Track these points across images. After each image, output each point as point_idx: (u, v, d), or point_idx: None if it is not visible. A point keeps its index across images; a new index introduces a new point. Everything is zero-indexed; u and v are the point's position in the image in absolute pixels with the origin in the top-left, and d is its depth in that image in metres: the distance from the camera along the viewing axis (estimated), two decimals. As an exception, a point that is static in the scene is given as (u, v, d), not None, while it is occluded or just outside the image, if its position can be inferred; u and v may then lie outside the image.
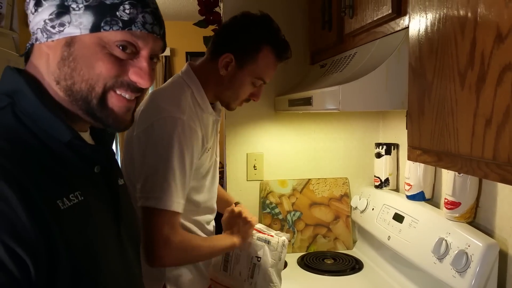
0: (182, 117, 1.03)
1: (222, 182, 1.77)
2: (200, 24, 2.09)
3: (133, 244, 0.74)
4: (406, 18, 0.95)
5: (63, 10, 0.59)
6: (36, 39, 0.61)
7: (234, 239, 1.17)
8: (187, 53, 4.56)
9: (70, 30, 0.59)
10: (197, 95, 1.12)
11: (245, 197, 1.71)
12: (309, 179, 1.75)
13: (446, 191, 1.18)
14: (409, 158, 0.92)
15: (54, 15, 0.59)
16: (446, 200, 1.18)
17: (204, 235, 1.18)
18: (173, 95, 1.09)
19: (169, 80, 1.19)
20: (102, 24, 0.59)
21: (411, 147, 0.90)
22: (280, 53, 1.15)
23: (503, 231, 1.07)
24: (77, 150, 0.63)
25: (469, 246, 1.04)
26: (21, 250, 0.50)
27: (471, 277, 1.00)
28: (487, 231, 1.10)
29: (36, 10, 0.60)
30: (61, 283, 0.53)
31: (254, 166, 1.73)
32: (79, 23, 0.59)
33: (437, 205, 1.34)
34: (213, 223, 1.26)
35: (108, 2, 0.59)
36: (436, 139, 0.80)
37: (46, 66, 0.62)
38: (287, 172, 1.75)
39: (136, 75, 0.63)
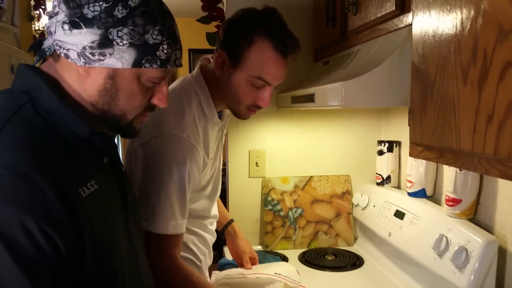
0: (182, 134, 0.98)
1: (224, 179, 1.78)
2: (203, 20, 2.09)
3: (137, 226, 0.79)
4: (410, 15, 0.96)
5: (106, 42, 0.63)
6: (67, 56, 0.64)
7: None
8: (190, 50, 4.56)
9: (111, 62, 0.64)
10: (204, 104, 1.07)
11: (247, 194, 1.73)
12: (311, 176, 1.76)
13: (447, 188, 1.19)
14: (411, 155, 0.93)
15: (95, 44, 0.62)
16: (447, 197, 1.19)
17: (205, 234, 1.18)
18: (177, 107, 1.02)
19: (178, 83, 1.12)
20: (143, 61, 0.65)
21: (413, 143, 0.91)
22: (279, 45, 0.99)
23: (503, 228, 1.07)
24: (90, 142, 0.68)
25: (469, 242, 1.05)
26: (54, 232, 0.55)
27: (470, 273, 1.01)
28: (487, 228, 1.11)
29: (70, 29, 0.62)
30: (87, 261, 0.60)
31: (256, 163, 1.73)
32: (121, 56, 0.63)
33: (438, 202, 1.35)
34: (215, 225, 1.25)
35: (150, 42, 0.64)
36: (438, 136, 0.81)
37: (78, 84, 0.66)
38: (289, 169, 1.76)
39: (158, 100, 0.72)
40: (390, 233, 1.39)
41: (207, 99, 1.07)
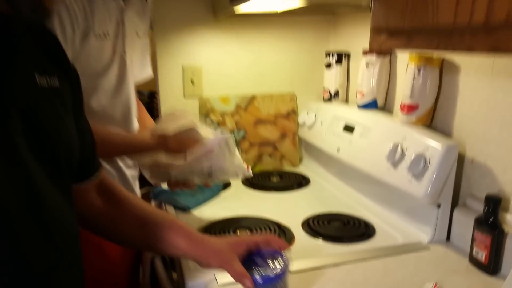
0: None
1: (156, 102, 1.57)
2: None
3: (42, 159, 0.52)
4: None
5: None
6: None
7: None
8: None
9: None
10: None
11: (183, 115, 1.54)
12: (254, 95, 1.60)
13: (404, 93, 1.08)
14: (371, 47, 0.78)
15: None
16: (402, 105, 1.09)
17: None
18: None
19: None
20: None
21: (375, 31, 0.76)
22: None
23: (462, 132, 1.00)
24: None
25: (427, 149, 0.97)
26: None
27: (428, 181, 0.94)
28: (445, 134, 1.03)
29: None
30: None
31: (192, 81, 1.53)
32: None
33: (390, 113, 1.26)
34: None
35: None
36: (408, 13, 0.66)
37: None
38: (230, 88, 1.58)
39: None
40: (338, 148, 1.29)
41: None
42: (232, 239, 0.73)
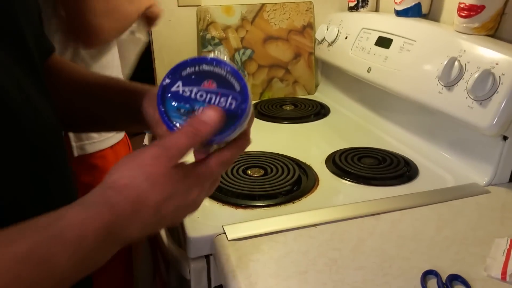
0: None
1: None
2: None
3: None
4: None
5: None
6: None
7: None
8: None
9: None
10: None
11: (177, 31, 1.28)
12: (263, 4, 1.32)
13: (464, -9, 0.82)
14: None
15: None
16: (461, 5, 0.83)
17: None
18: None
19: None
20: None
21: None
22: None
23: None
24: None
25: (496, 64, 0.73)
26: None
27: (497, 106, 0.71)
28: (517, 46, 0.79)
29: None
30: None
31: (187, -14, 1.25)
32: None
33: (436, 22, 1.00)
34: None
35: None
36: None
37: None
38: (233, -4, 1.30)
39: None
40: (369, 68, 1.05)
41: None
42: None
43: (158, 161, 0.37)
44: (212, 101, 0.40)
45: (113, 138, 0.87)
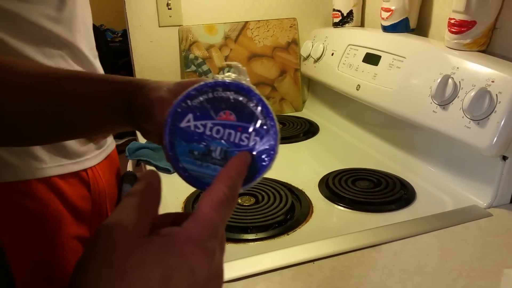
0: None
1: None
2: None
3: None
4: None
5: None
6: None
7: None
8: None
9: None
10: None
11: (159, 52, 1.23)
12: (246, 22, 1.29)
13: (454, 6, 0.80)
14: None
15: None
16: (452, 21, 0.81)
17: None
18: None
19: None
20: None
21: None
22: None
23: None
24: None
25: (492, 81, 0.70)
26: None
27: (495, 126, 0.69)
28: (510, 60, 0.77)
29: None
30: None
31: (168, 5, 1.21)
32: None
33: (424, 37, 0.98)
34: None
35: None
36: None
37: None
38: (216, 14, 1.26)
39: None
40: (358, 85, 1.02)
41: None
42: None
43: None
44: (232, 138, 0.32)
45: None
